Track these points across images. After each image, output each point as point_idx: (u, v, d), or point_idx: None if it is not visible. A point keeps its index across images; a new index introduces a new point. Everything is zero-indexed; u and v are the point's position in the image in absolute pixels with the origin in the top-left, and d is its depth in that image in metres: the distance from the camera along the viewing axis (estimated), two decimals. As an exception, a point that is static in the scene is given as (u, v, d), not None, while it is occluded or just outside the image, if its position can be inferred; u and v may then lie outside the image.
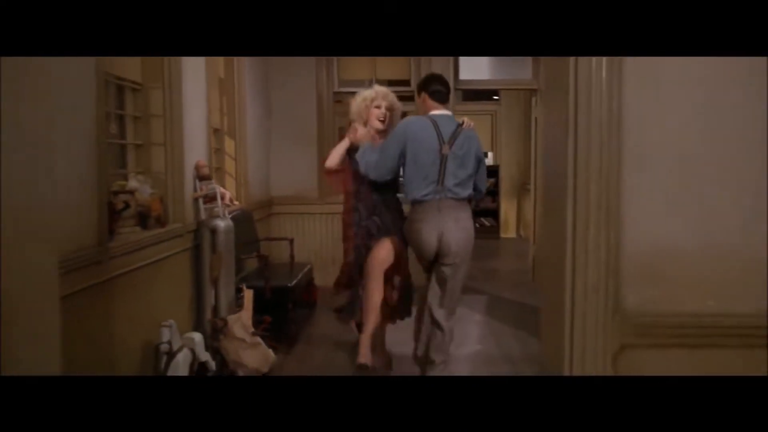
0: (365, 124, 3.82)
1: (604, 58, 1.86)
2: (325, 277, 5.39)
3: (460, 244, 3.41)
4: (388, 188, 3.82)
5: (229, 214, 4.50)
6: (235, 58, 5.58)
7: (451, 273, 3.44)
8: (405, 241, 3.72)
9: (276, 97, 6.63)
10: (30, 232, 1.73)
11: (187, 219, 4.12)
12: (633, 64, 1.84)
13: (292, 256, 5.48)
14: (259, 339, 4.16)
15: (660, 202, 1.66)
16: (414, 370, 3.71)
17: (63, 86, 2.01)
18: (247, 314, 4.29)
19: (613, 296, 1.65)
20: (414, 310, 3.91)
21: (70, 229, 2.67)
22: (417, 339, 3.68)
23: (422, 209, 3.44)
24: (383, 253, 3.73)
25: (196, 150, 4.33)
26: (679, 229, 1.66)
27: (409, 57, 6.85)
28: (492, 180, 9.71)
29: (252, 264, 5.22)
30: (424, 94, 3.60)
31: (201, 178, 4.30)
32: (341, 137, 4.06)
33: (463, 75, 6.70)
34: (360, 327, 3.98)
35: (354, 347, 4.09)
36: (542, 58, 2.60)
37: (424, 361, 3.58)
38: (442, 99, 3.56)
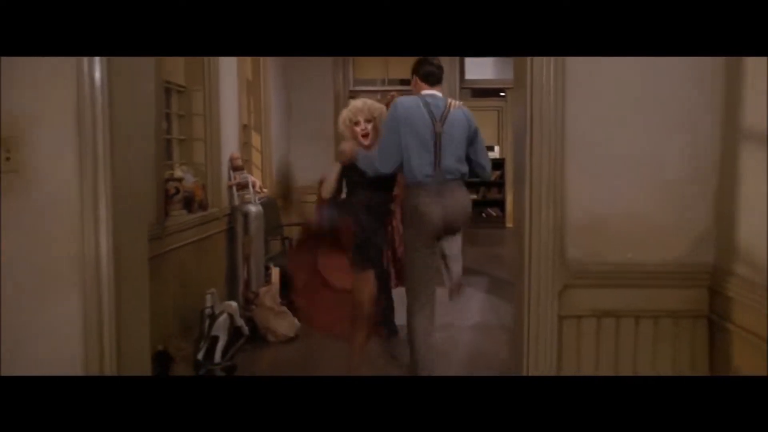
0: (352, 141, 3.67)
1: (552, 59, 2.27)
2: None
3: (459, 219, 3.42)
4: (382, 211, 3.73)
5: (259, 200, 5.10)
6: (261, 62, 6.18)
7: (452, 243, 3.48)
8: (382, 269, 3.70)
9: (296, 96, 7.23)
10: (130, 212, 2.34)
11: (223, 204, 4.74)
12: (573, 64, 2.26)
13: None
14: (285, 308, 4.76)
15: (593, 180, 2.19)
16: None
17: (136, 90, 2.56)
18: (275, 288, 4.91)
19: (558, 251, 2.20)
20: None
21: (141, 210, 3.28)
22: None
23: (423, 191, 3.39)
24: (368, 291, 3.57)
25: (229, 144, 4.94)
26: (607, 200, 2.20)
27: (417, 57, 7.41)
28: (498, 172, 10.26)
29: (276, 246, 5.82)
30: (415, 77, 3.57)
31: (235, 168, 4.91)
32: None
33: (469, 75, 7.25)
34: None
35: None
36: (512, 60, 2.86)
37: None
38: (433, 81, 3.50)
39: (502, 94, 11.30)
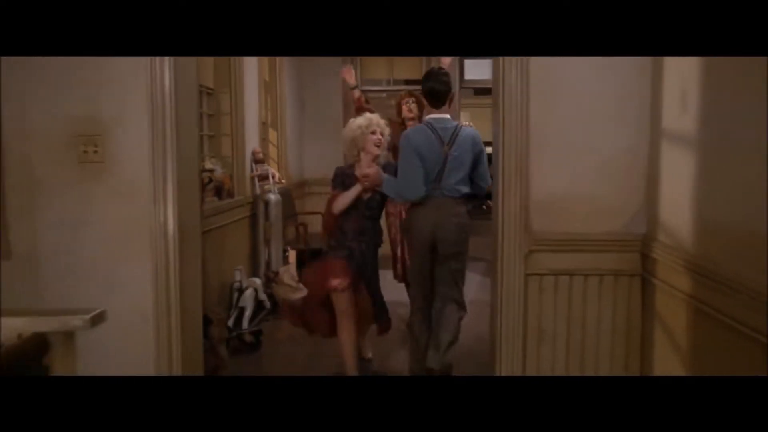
0: (358, 152, 3.74)
1: (518, 63, 2.68)
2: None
3: (452, 238, 3.49)
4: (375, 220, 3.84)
5: (277, 190, 5.71)
6: (277, 64, 6.77)
7: (447, 265, 3.52)
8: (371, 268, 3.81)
9: (308, 96, 7.81)
10: (187, 194, 2.95)
11: (247, 193, 5.35)
12: (536, 66, 2.71)
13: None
14: (302, 285, 5.38)
15: (551, 166, 2.72)
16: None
17: (187, 93, 3.14)
18: (292, 268, 5.53)
19: (524, 222, 2.77)
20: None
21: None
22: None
23: (421, 206, 3.51)
24: (350, 304, 3.73)
25: (252, 139, 5.55)
26: (562, 183, 2.74)
27: (421, 58, 8.00)
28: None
29: (290, 231, 6.43)
30: (422, 92, 3.66)
31: (256, 161, 5.52)
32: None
33: (468, 75, 7.81)
34: None
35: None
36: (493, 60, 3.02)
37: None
38: (435, 102, 3.55)
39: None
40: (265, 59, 6.37)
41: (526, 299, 2.79)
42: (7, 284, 2.63)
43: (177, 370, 2.83)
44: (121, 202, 2.82)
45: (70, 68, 2.75)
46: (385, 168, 3.71)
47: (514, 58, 2.77)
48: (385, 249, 4.24)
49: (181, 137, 2.85)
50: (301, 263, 5.79)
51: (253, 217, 5.47)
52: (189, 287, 2.98)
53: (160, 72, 2.77)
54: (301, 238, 6.13)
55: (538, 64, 2.75)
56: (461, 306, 3.60)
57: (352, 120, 3.85)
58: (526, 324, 2.80)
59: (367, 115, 3.85)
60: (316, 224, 6.95)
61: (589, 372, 2.79)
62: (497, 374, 2.84)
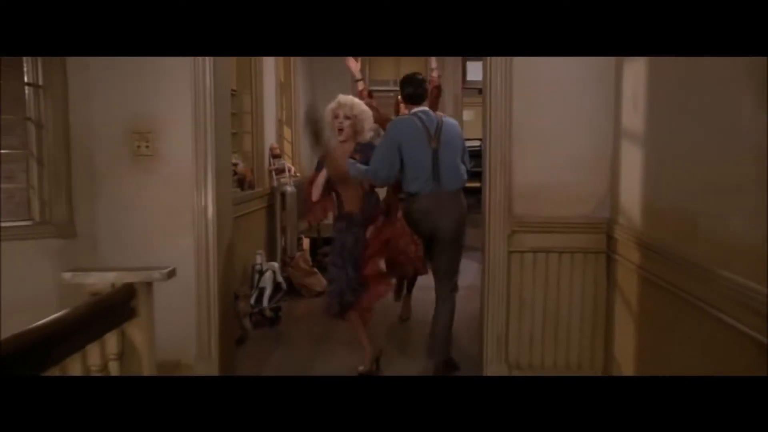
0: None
1: (502, 65, 3.11)
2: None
3: (452, 230, 3.64)
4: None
5: (293, 183, 6.23)
6: (292, 65, 7.29)
7: (446, 250, 3.69)
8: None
9: (320, 95, 8.31)
10: (223, 183, 3.46)
11: (266, 185, 5.87)
12: (518, 66, 3.14)
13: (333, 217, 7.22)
14: (315, 269, 5.90)
15: (531, 158, 3.19)
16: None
17: (221, 93, 3.66)
18: (306, 253, 6.06)
19: (507, 207, 3.24)
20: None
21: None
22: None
23: (420, 199, 3.61)
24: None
25: (270, 136, 6.07)
26: (540, 173, 3.21)
27: (427, 58, 8.49)
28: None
29: (304, 221, 6.94)
30: (399, 98, 3.86)
31: (274, 156, 6.04)
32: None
33: (471, 76, 8.29)
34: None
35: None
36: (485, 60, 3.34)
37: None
38: (414, 100, 3.70)
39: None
40: (281, 62, 6.88)
41: (509, 272, 3.30)
42: (72, 258, 3.16)
43: (214, 329, 3.36)
44: (168, 189, 3.35)
45: (127, 74, 3.27)
46: (362, 148, 3.72)
47: (499, 61, 3.20)
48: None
49: (217, 134, 3.37)
50: (314, 249, 6.34)
51: (271, 207, 5.99)
52: (222, 260, 3.51)
53: (202, 76, 3.28)
54: (314, 227, 6.65)
55: (520, 66, 3.21)
56: (455, 289, 3.84)
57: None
58: (510, 293, 3.31)
59: (340, 97, 3.83)
60: (327, 215, 7.48)
61: (562, 332, 3.29)
62: (485, 335, 3.34)
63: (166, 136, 3.34)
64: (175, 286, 3.27)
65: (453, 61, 8.44)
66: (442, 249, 3.70)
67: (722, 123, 2.06)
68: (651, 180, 2.74)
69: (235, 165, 5.25)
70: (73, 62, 3.23)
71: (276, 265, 5.48)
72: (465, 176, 3.74)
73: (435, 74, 4.89)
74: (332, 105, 3.78)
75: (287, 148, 7.30)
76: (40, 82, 3.22)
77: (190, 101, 3.29)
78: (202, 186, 3.32)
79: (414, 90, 3.71)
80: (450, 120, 3.78)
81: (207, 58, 3.26)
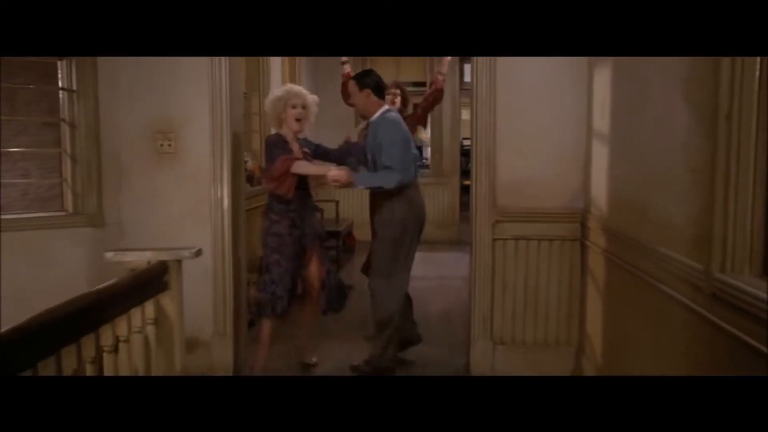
0: (281, 124, 3.63)
1: (488, 64, 3.45)
2: (361, 231, 7.40)
3: (424, 218, 3.82)
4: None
5: (298, 179, 6.60)
6: (296, 68, 7.67)
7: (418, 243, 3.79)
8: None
9: (323, 96, 8.62)
10: (237, 179, 3.84)
11: (273, 181, 6.24)
12: (502, 69, 3.48)
13: (337, 213, 7.60)
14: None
15: (513, 155, 3.57)
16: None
17: (236, 95, 4.03)
18: (310, 245, 6.42)
19: (492, 199, 3.60)
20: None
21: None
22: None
23: (412, 189, 3.67)
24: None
25: (276, 135, 6.44)
26: (521, 168, 3.56)
27: (425, 60, 8.87)
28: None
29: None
30: (367, 90, 3.61)
31: (280, 154, 6.41)
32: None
33: (467, 78, 8.66)
34: None
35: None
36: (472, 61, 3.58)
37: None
38: (383, 95, 3.74)
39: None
40: (287, 65, 7.26)
41: (494, 258, 3.67)
42: (102, 245, 3.54)
43: (229, 309, 3.75)
44: (188, 184, 3.73)
45: (151, 80, 3.65)
46: (353, 148, 3.80)
47: (484, 66, 3.54)
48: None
49: (232, 134, 3.75)
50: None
51: (278, 202, 6.36)
52: (236, 249, 3.89)
53: (218, 81, 3.66)
54: (317, 221, 7.02)
55: (504, 71, 3.56)
56: None
57: (272, 91, 3.76)
58: (494, 277, 3.69)
59: (287, 86, 3.77)
60: (330, 210, 7.86)
61: (541, 311, 3.67)
62: (473, 314, 3.72)
63: (187, 135, 3.72)
64: (194, 270, 3.66)
65: (450, 63, 8.77)
66: (418, 240, 3.76)
67: (664, 123, 2.43)
68: (615, 174, 3.11)
69: (245, 162, 5.62)
70: (104, 69, 3.61)
71: (282, 256, 5.84)
72: None
73: (440, 77, 4.61)
74: (280, 94, 3.63)
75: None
76: (74, 87, 3.61)
77: (207, 104, 3.67)
78: (218, 181, 3.70)
79: (382, 81, 3.73)
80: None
81: (223, 64, 3.62)
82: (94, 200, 3.68)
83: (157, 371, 2.58)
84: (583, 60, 3.50)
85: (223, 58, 3.64)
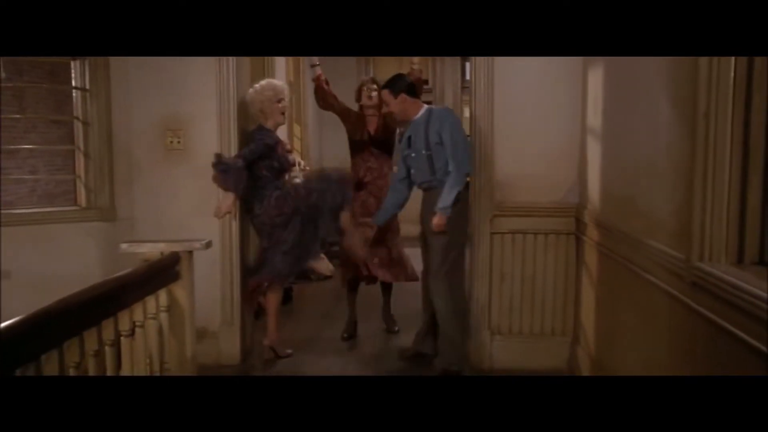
0: (266, 118, 3.90)
1: (486, 64, 3.57)
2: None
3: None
4: None
5: (303, 176, 6.74)
6: (300, 67, 7.80)
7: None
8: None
9: (327, 93, 8.79)
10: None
11: (277, 177, 6.37)
12: (500, 67, 3.59)
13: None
14: (323, 255, 6.40)
15: (510, 152, 3.73)
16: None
17: (240, 95, 4.16)
18: (314, 240, 6.56)
19: (490, 195, 3.73)
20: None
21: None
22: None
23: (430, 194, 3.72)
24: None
25: (281, 133, 6.56)
26: (518, 165, 3.68)
27: (428, 60, 8.97)
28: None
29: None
30: (402, 95, 3.71)
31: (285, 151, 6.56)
32: None
33: (468, 76, 8.76)
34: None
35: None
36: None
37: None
38: (417, 93, 3.87)
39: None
40: (291, 64, 7.39)
41: (492, 251, 3.80)
42: (113, 238, 3.68)
43: (236, 300, 3.89)
44: (196, 179, 3.86)
45: (162, 79, 3.79)
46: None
47: (482, 65, 3.65)
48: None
49: (239, 131, 3.88)
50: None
51: (282, 198, 6.49)
52: (242, 242, 4.03)
53: (226, 81, 3.80)
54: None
55: (501, 70, 3.68)
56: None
57: (256, 86, 3.92)
58: (492, 268, 3.81)
59: (273, 81, 4.02)
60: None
61: (537, 302, 3.80)
62: (472, 305, 3.84)
63: (195, 132, 3.86)
64: (203, 263, 3.79)
65: (452, 62, 8.91)
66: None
67: (652, 120, 2.56)
68: (608, 170, 3.24)
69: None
70: (116, 69, 3.75)
71: (287, 250, 5.98)
72: None
73: (415, 67, 4.39)
74: (270, 92, 3.87)
75: (297, 144, 7.81)
76: (87, 86, 3.75)
77: (215, 103, 3.81)
78: (226, 176, 3.82)
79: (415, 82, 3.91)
80: None
81: (231, 65, 3.76)
82: (107, 195, 3.83)
83: (170, 358, 2.72)
84: (578, 59, 3.62)
85: (230, 58, 3.79)
